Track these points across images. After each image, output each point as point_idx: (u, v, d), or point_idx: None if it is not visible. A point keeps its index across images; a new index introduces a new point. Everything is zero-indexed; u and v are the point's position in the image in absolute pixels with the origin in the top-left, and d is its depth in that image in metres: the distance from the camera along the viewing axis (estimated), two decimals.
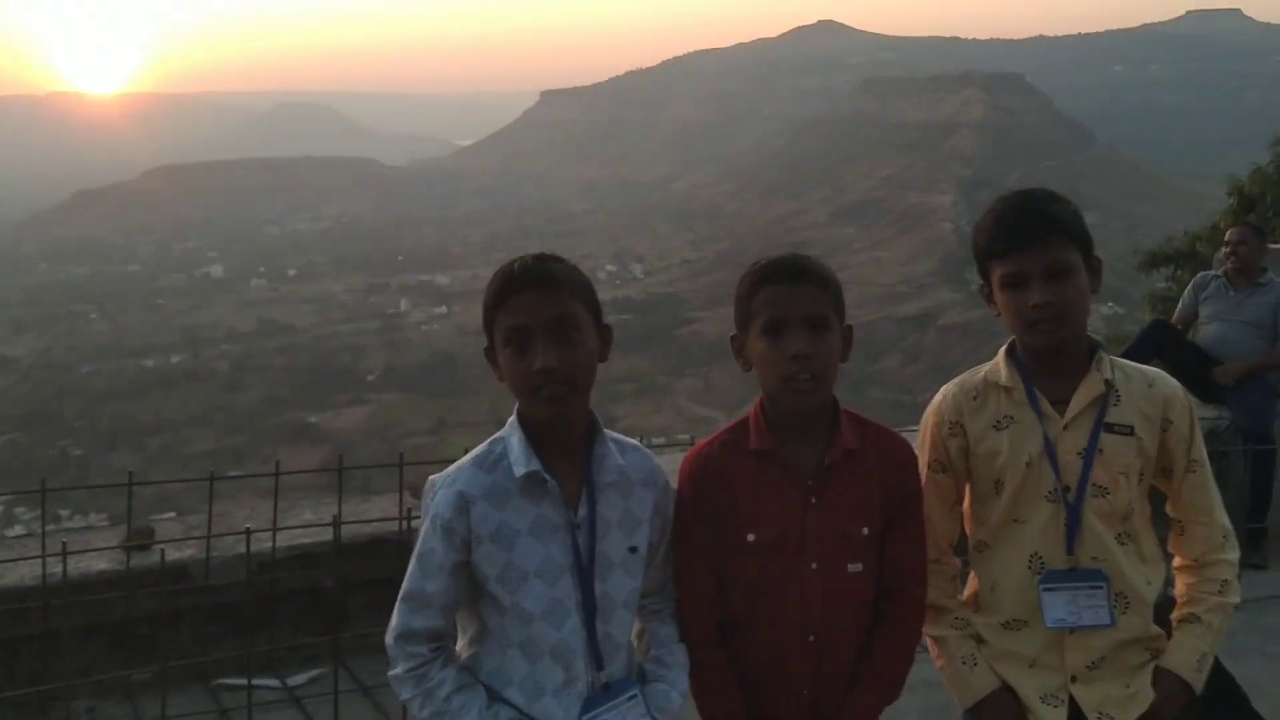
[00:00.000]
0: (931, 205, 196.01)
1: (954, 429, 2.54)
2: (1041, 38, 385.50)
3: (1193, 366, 6.60)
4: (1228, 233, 7.06)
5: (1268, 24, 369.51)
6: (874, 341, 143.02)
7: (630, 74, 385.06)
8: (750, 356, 2.56)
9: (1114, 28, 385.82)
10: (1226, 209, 16.24)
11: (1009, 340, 2.55)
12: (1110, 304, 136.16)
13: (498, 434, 2.33)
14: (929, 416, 2.62)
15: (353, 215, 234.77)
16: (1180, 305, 7.42)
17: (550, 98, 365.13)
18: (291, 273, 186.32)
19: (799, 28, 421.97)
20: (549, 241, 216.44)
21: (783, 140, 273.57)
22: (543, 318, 2.06)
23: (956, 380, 2.63)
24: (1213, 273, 7.16)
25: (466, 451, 2.09)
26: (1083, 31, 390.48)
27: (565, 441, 2.17)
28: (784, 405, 2.49)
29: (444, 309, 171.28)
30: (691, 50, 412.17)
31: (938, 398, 2.62)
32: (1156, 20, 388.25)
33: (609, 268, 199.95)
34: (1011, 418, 2.44)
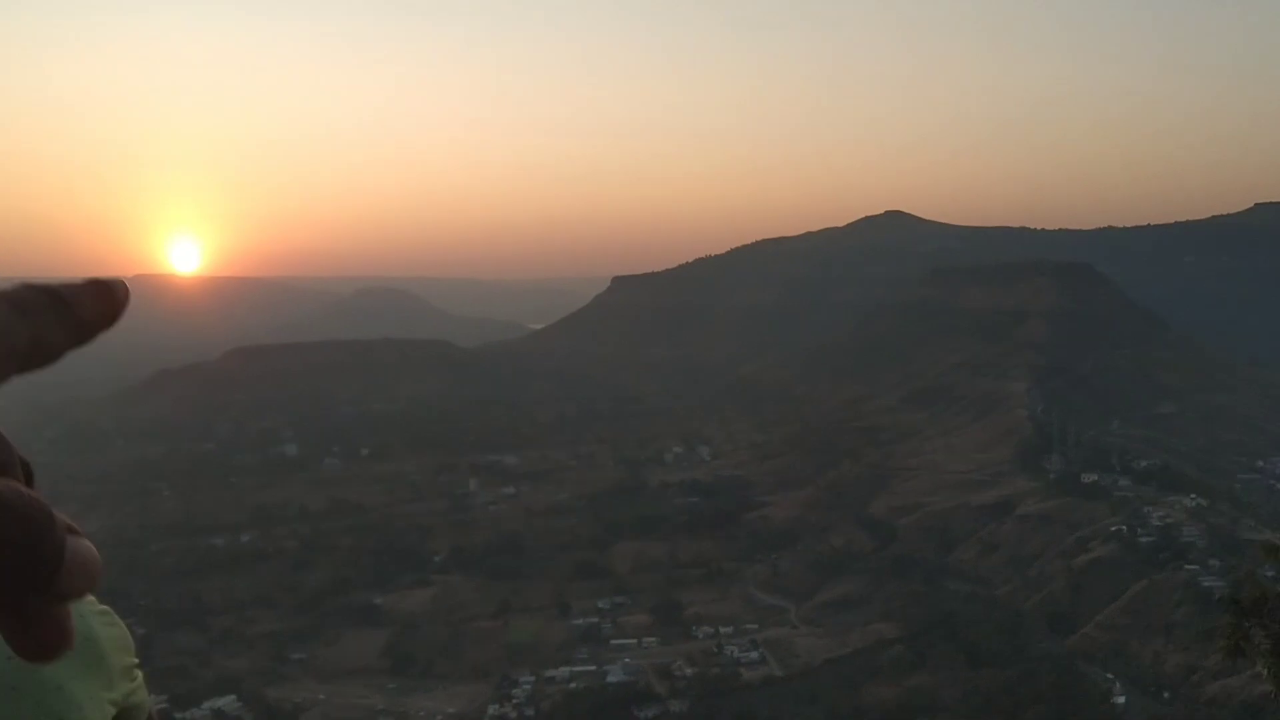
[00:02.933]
0: (1005, 392, 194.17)
1: None
2: (1110, 228, 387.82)
3: None
4: None
5: None
6: (949, 530, 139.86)
7: (700, 261, 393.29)
8: None
9: (1183, 219, 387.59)
10: None
11: None
12: (1192, 496, 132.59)
13: None
14: None
15: (427, 395, 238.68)
16: None
17: (621, 283, 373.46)
18: (364, 452, 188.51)
19: (866, 217, 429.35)
20: (617, 424, 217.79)
21: (850, 326, 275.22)
22: None
23: None
24: None
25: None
26: (1151, 223, 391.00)
27: None
28: None
29: (512, 489, 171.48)
30: (760, 238, 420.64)
31: None
32: (1225, 212, 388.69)
33: (676, 450, 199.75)
34: None
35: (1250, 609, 16.38)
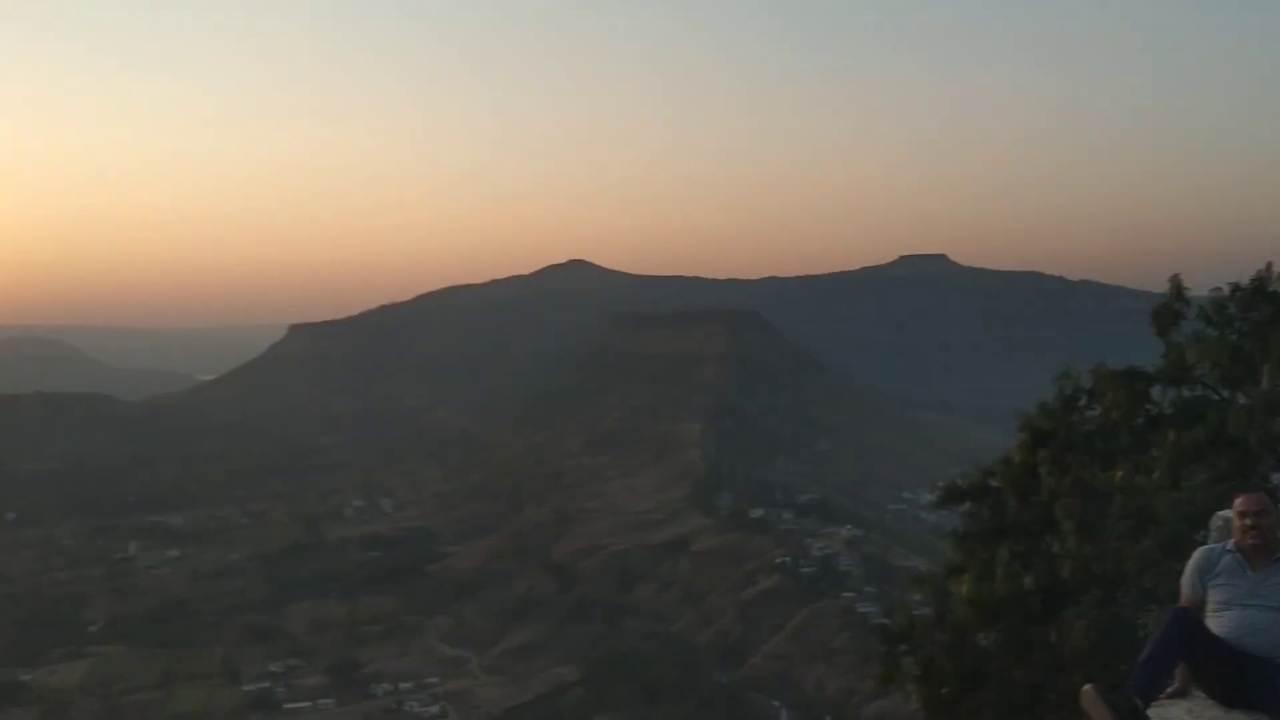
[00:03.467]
0: (681, 434, 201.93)
1: None
2: (774, 278, 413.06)
3: (1217, 664, 5.45)
4: (1239, 500, 5.60)
5: (970, 267, 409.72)
6: (628, 570, 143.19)
7: (384, 308, 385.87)
8: None
9: (837, 270, 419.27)
10: (1019, 443, 16.78)
11: None
12: (849, 526, 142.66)
13: None
14: None
15: (82, 453, 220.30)
16: (1185, 588, 5.92)
17: (299, 331, 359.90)
18: (10, 516, 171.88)
19: (551, 265, 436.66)
20: (293, 478, 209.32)
21: (535, 373, 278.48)
22: None
23: None
24: (1221, 547, 5.77)
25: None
26: (810, 273, 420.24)
27: None
28: None
29: (176, 551, 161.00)
30: (446, 285, 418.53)
31: None
32: (874, 264, 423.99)
33: (356, 503, 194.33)
34: None
35: (900, 635, 17.61)
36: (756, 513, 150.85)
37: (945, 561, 17.66)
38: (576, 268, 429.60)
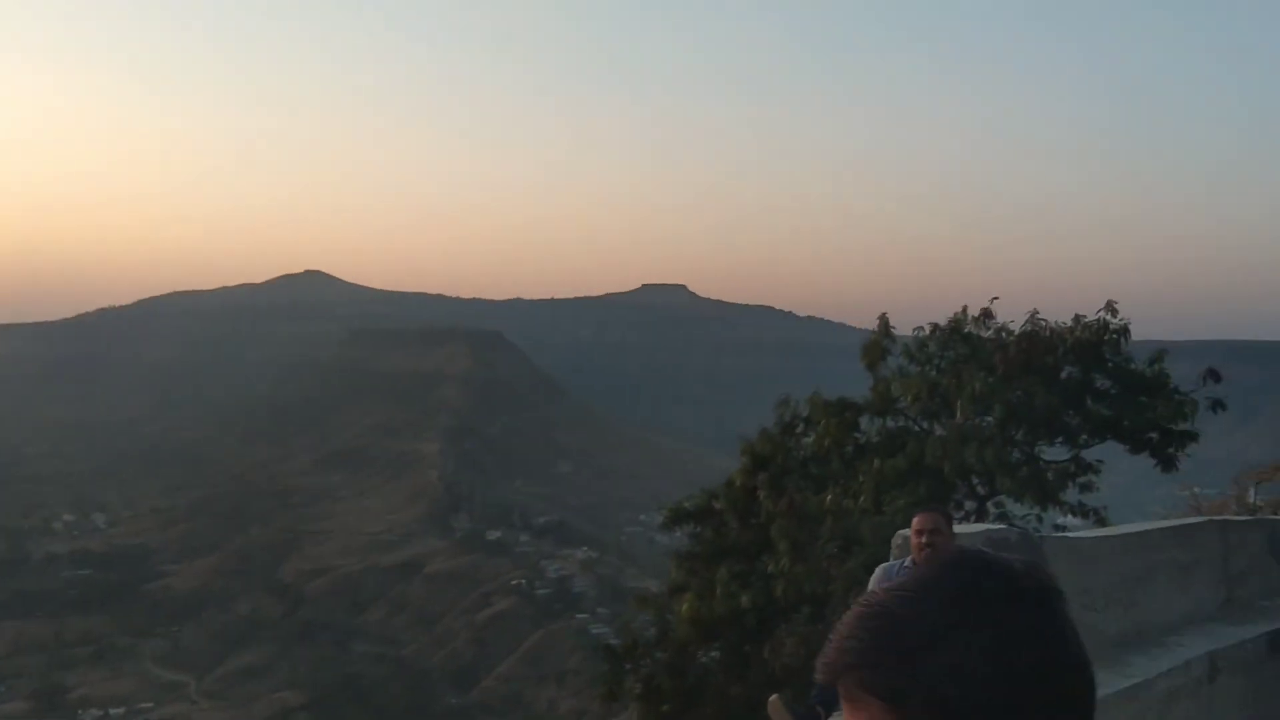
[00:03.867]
0: (418, 454, 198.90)
1: None
2: (519, 300, 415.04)
3: None
4: (916, 519, 6.01)
5: (708, 298, 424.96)
6: (359, 592, 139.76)
7: (101, 311, 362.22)
8: None
9: (581, 294, 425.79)
10: (740, 467, 17.40)
11: None
12: (584, 548, 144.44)
13: None
14: None
15: None
16: None
17: (4, 332, 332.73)
18: None
19: (286, 275, 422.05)
20: None
21: (266, 386, 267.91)
22: None
23: None
24: (900, 563, 6.26)
25: None
26: (555, 296, 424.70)
27: None
28: None
29: None
30: (171, 290, 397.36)
31: None
32: (617, 290, 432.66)
33: (66, 518, 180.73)
34: None
35: (624, 655, 17.95)
36: (493, 534, 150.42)
37: (670, 581, 18.32)
38: (313, 279, 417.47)
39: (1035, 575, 1.28)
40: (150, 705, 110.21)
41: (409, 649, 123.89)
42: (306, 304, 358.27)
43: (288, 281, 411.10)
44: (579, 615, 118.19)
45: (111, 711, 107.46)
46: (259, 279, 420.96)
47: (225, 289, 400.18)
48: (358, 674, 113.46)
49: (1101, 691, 6.61)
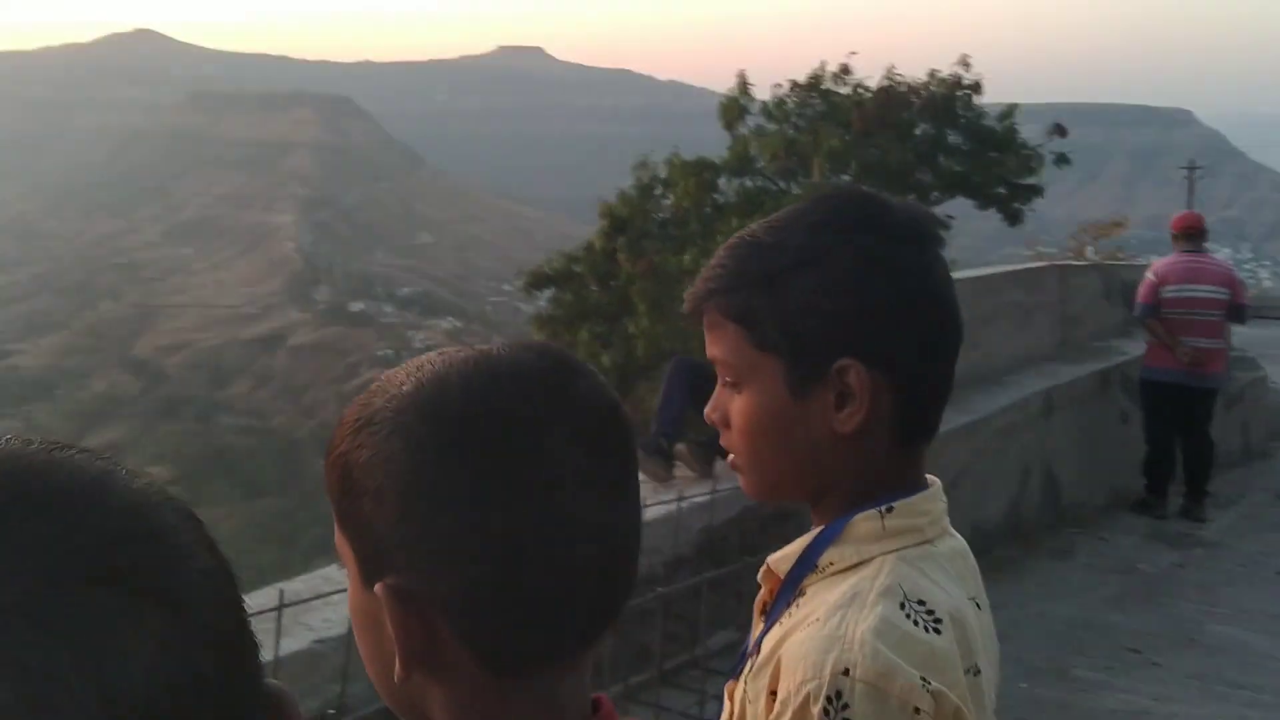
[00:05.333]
0: (272, 225, 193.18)
1: None
2: (369, 63, 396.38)
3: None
4: None
5: (567, 62, 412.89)
6: (221, 366, 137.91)
7: None
8: None
9: (435, 58, 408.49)
10: (599, 230, 17.18)
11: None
12: (449, 318, 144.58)
13: None
14: None
15: None
16: None
17: None
18: None
19: (114, 35, 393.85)
20: None
21: (104, 155, 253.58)
22: None
23: None
24: None
25: None
26: (407, 60, 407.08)
27: None
28: None
29: None
30: None
31: None
32: (473, 54, 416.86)
33: None
34: None
35: None
36: (356, 306, 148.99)
37: None
38: (145, 38, 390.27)
39: (913, 214, 1.22)
40: None
41: (277, 420, 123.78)
42: (138, 67, 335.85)
43: (117, 41, 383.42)
44: None
45: None
46: (85, 39, 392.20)
47: (48, 50, 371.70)
48: (227, 446, 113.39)
49: (942, 428, 7.01)
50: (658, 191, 17.27)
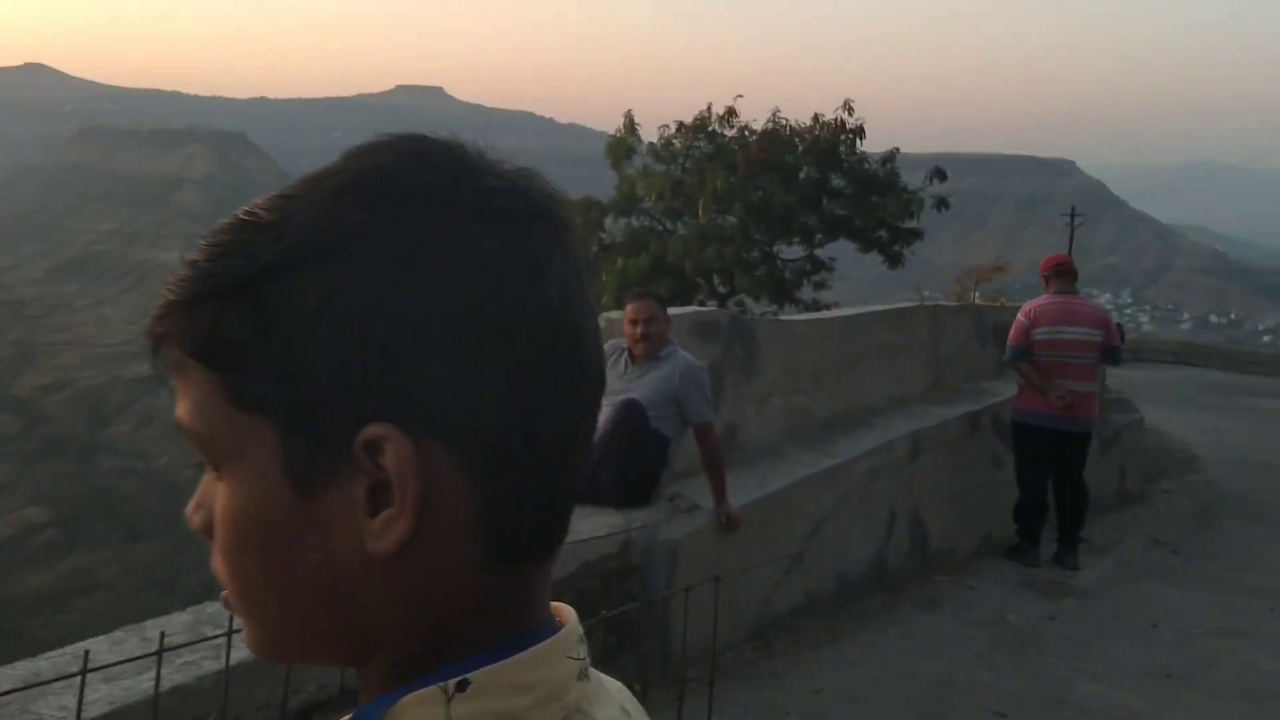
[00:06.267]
0: (159, 261, 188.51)
1: None
2: (264, 99, 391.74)
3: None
4: (629, 307, 5.60)
5: (467, 103, 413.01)
6: (103, 405, 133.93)
7: None
8: None
9: (332, 95, 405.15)
10: None
11: None
12: None
13: None
14: None
15: None
16: None
17: None
18: None
19: (3, 69, 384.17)
20: None
21: None
22: None
23: None
24: (620, 343, 5.75)
25: None
26: (303, 96, 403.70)
27: None
28: None
29: None
30: None
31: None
32: (370, 92, 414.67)
33: None
34: None
35: None
36: None
37: None
38: (34, 72, 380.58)
39: (515, 181, 0.66)
40: None
41: (159, 462, 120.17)
42: (29, 100, 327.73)
43: (6, 76, 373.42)
44: None
45: None
46: None
47: None
48: (107, 488, 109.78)
49: (803, 472, 6.84)
50: None
